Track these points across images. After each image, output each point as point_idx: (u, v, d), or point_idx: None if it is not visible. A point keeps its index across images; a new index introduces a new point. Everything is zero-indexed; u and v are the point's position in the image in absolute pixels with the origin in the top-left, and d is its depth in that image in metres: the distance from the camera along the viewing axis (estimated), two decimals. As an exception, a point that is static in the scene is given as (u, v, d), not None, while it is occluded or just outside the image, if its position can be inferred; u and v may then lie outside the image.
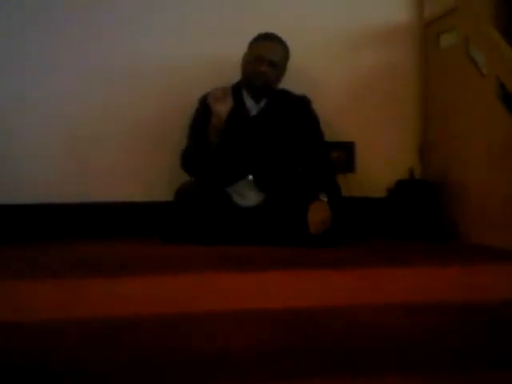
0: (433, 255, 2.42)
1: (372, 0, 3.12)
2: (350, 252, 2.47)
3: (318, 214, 2.57)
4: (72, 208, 2.94)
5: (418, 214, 2.89)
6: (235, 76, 2.82)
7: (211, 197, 2.67)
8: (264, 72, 2.72)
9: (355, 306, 1.53)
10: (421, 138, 3.19)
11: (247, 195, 2.73)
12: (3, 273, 2.00)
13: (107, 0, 2.99)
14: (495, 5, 2.92)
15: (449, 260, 2.31)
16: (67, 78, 2.95)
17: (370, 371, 1.18)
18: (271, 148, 2.77)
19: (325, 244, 2.51)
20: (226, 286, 1.78)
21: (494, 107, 2.55)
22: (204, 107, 2.78)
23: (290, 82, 2.86)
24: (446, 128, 2.99)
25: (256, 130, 2.77)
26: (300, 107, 2.83)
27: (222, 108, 2.63)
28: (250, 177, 2.74)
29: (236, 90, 2.80)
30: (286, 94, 2.85)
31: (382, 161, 3.15)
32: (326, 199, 2.62)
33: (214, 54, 2.99)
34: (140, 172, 3.01)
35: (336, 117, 3.03)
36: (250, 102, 2.80)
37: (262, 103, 2.80)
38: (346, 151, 3.12)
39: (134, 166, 3.01)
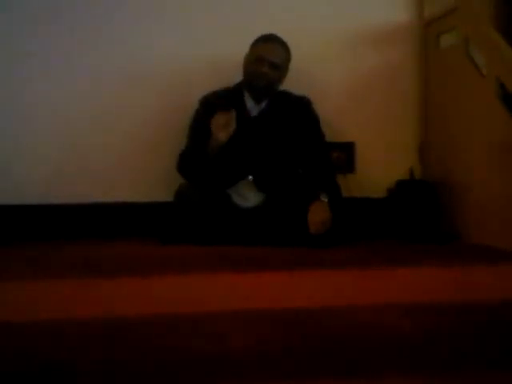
0: (433, 255, 2.42)
1: (372, 0, 3.12)
2: (350, 252, 2.48)
3: (318, 214, 2.57)
4: (72, 208, 2.94)
5: (418, 214, 2.89)
6: (235, 76, 2.83)
7: (211, 197, 2.67)
8: (265, 73, 2.72)
9: (355, 306, 1.53)
10: (421, 138, 3.19)
11: (247, 196, 2.74)
12: (3, 273, 2.00)
13: (107, 1, 2.99)
14: (495, 5, 2.92)
15: (449, 260, 2.31)
16: (67, 78, 2.95)
17: (369, 371, 1.18)
18: (271, 149, 2.77)
19: (325, 244, 2.51)
20: (226, 286, 1.79)
21: (493, 107, 2.55)
22: (204, 108, 2.78)
23: (290, 83, 2.86)
24: (446, 128, 2.99)
25: (256, 131, 2.77)
26: (300, 108, 2.83)
27: (222, 135, 2.62)
28: (250, 177, 2.74)
29: (237, 91, 2.80)
30: (287, 95, 2.85)
31: (381, 161, 3.15)
32: (326, 200, 2.62)
33: (214, 54, 2.99)
34: (140, 173, 3.01)
35: (336, 117, 3.04)
36: (250, 103, 2.80)
37: (263, 104, 2.81)
38: (345, 151, 3.12)
39: (134, 166, 3.01)
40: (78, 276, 1.92)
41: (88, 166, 2.98)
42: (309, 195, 2.64)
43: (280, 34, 2.79)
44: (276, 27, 2.81)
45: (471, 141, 2.74)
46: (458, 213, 2.84)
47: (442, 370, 1.20)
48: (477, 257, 2.40)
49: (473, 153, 2.73)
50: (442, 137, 3.03)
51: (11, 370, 1.15)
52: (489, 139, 2.61)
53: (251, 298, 1.63)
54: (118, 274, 1.96)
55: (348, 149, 3.13)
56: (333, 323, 1.39)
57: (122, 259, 2.30)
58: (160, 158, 2.95)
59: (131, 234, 2.94)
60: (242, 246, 2.53)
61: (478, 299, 1.60)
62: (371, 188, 3.09)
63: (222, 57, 2.98)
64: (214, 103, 2.79)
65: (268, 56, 2.73)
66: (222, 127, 2.61)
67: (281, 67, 2.77)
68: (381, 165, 3.14)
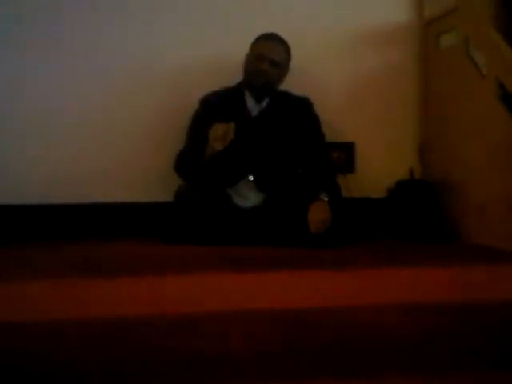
0: (433, 255, 2.42)
1: (372, 0, 3.12)
2: (350, 252, 2.47)
3: (319, 213, 2.57)
4: (72, 208, 2.94)
5: (418, 214, 2.89)
6: (236, 76, 2.82)
7: (211, 197, 2.67)
8: (265, 70, 2.72)
9: (355, 306, 1.53)
10: (421, 138, 3.19)
11: (247, 195, 2.74)
12: (3, 273, 2.00)
13: (107, 1, 2.99)
14: (495, 5, 2.92)
15: (449, 260, 2.31)
16: (67, 78, 2.95)
17: (369, 371, 1.18)
18: (272, 148, 2.77)
19: (325, 244, 2.51)
20: (226, 286, 1.78)
21: (493, 107, 2.55)
22: (204, 108, 2.79)
23: (291, 83, 2.86)
24: (446, 128, 2.99)
25: (257, 131, 2.77)
26: (301, 108, 2.83)
27: (219, 145, 2.60)
28: (250, 177, 2.74)
29: (237, 91, 2.80)
30: (287, 95, 2.85)
31: (381, 161, 3.15)
32: (326, 199, 2.62)
33: (215, 54, 2.99)
34: (140, 173, 3.01)
35: (336, 117, 3.03)
36: (251, 103, 2.80)
37: (263, 104, 2.81)
38: (345, 151, 3.12)
39: (133, 166, 3.01)
40: (77, 276, 1.91)
41: (88, 166, 2.97)
42: (309, 195, 2.64)
43: (280, 34, 2.79)
44: (276, 27, 2.81)
45: (471, 141, 2.74)
46: (458, 213, 2.84)
47: (442, 370, 1.20)
48: (477, 257, 2.40)
49: (473, 153, 2.72)
50: (441, 137, 3.03)
51: (11, 370, 1.15)
52: (489, 139, 2.61)
53: (251, 298, 1.63)
54: (118, 274, 1.96)
55: (348, 149, 3.13)
56: (333, 323, 1.39)
57: (121, 259, 2.30)
58: (160, 158, 2.95)
59: (131, 234, 2.94)
60: (242, 245, 2.53)
61: (478, 299, 1.60)
62: (371, 188, 3.08)
63: (222, 57, 2.98)
64: (214, 103, 2.79)
65: (268, 54, 2.73)
66: (220, 139, 2.60)
67: (281, 65, 2.77)
68: (381, 165, 3.14)
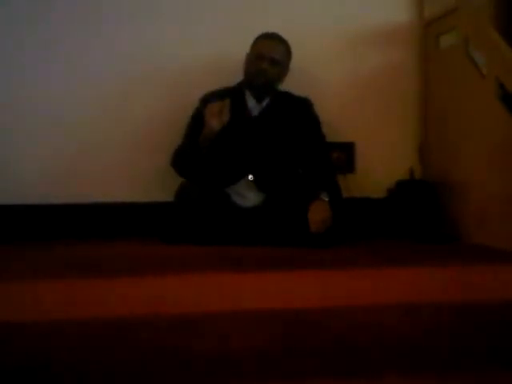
0: (433, 255, 2.42)
1: (372, 0, 3.12)
2: (350, 252, 2.48)
3: (319, 213, 2.57)
4: (72, 208, 2.94)
5: (418, 214, 2.89)
6: (236, 76, 2.83)
7: (211, 197, 2.67)
8: (265, 69, 2.73)
9: (355, 306, 1.53)
10: (421, 138, 3.19)
11: (247, 195, 2.74)
12: (3, 273, 2.00)
13: (107, 1, 2.99)
14: (495, 5, 2.92)
15: (449, 260, 2.31)
16: (67, 78, 2.95)
17: (369, 371, 1.18)
18: (272, 148, 2.77)
19: (325, 243, 2.51)
20: (226, 286, 1.78)
21: (493, 107, 2.55)
22: (203, 107, 2.78)
23: (291, 82, 2.87)
24: (445, 128, 2.99)
25: (257, 130, 2.77)
26: (301, 108, 2.84)
27: (215, 123, 2.61)
28: (250, 176, 2.74)
29: (238, 90, 2.80)
30: (288, 96, 2.85)
31: (381, 161, 3.15)
32: (326, 199, 2.62)
33: (215, 54, 3.00)
34: (140, 173, 3.01)
35: (336, 117, 3.04)
36: (251, 103, 2.80)
37: (264, 104, 2.81)
38: (346, 151, 3.12)
39: (134, 166, 3.01)
40: (78, 276, 1.91)
41: (88, 166, 2.98)
42: (309, 195, 2.64)
43: (280, 34, 2.80)
44: (276, 27, 2.81)
45: (471, 141, 2.74)
46: (458, 213, 2.84)
47: (442, 370, 1.20)
48: (477, 257, 2.40)
49: (473, 153, 2.73)
50: (441, 137, 3.03)
51: (11, 370, 1.15)
52: (489, 139, 2.61)
53: (251, 298, 1.63)
54: (118, 274, 1.96)
55: (348, 149, 3.13)
56: (333, 323, 1.39)
57: (121, 259, 2.30)
58: (160, 158, 2.95)
59: (131, 234, 2.94)
60: (241, 245, 2.53)
61: (478, 299, 1.60)
62: (371, 188, 3.09)
63: (222, 57, 2.99)
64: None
65: (268, 52, 2.74)
66: (216, 115, 2.60)
67: (281, 64, 2.77)
68: (381, 165, 3.14)
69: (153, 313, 1.45)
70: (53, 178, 2.94)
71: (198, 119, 2.75)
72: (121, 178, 3.01)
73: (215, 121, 2.60)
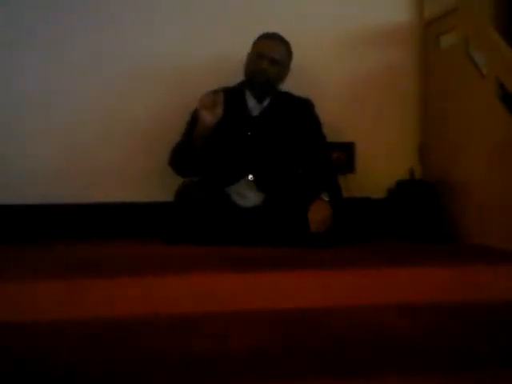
0: (433, 255, 2.42)
1: (372, 0, 3.12)
2: (350, 252, 2.48)
3: (319, 212, 2.57)
4: (72, 208, 2.94)
5: (418, 214, 2.89)
6: (236, 76, 2.83)
7: (211, 197, 2.67)
8: (265, 69, 2.73)
9: (355, 306, 1.53)
10: (421, 138, 3.19)
11: (247, 195, 2.74)
12: (3, 273, 2.00)
13: (107, 1, 2.99)
14: (495, 5, 2.93)
15: (449, 260, 2.31)
16: (68, 78, 2.95)
17: (369, 371, 1.18)
18: (272, 148, 2.77)
19: (325, 243, 2.51)
20: (226, 286, 1.78)
21: (493, 107, 2.55)
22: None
23: (291, 82, 2.86)
24: (445, 128, 2.99)
25: (257, 130, 2.77)
26: (302, 109, 2.84)
27: (209, 117, 2.58)
28: (250, 176, 2.74)
29: (239, 90, 2.81)
30: (289, 96, 2.85)
31: (382, 161, 3.15)
32: (327, 199, 2.62)
33: (215, 54, 3.00)
34: (140, 173, 3.01)
35: (336, 117, 3.04)
36: (252, 103, 2.80)
37: (265, 104, 2.81)
38: (346, 151, 3.12)
39: (134, 166, 3.01)
40: (77, 276, 1.91)
41: (88, 166, 2.98)
42: (309, 194, 2.64)
43: (281, 34, 2.80)
44: (276, 27, 2.81)
45: (471, 141, 2.74)
46: (458, 213, 2.84)
47: (442, 370, 1.20)
48: (477, 257, 2.40)
49: (473, 153, 2.73)
50: (441, 137, 3.03)
51: (11, 370, 1.15)
52: (489, 139, 2.61)
53: (251, 298, 1.63)
54: (118, 274, 1.96)
55: (348, 149, 3.13)
56: (333, 323, 1.39)
57: (121, 259, 2.30)
58: (160, 158, 2.94)
59: (131, 233, 2.94)
60: (242, 245, 2.53)
61: (478, 299, 1.60)
62: (371, 188, 3.09)
63: (222, 57, 2.99)
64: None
65: (268, 52, 2.74)
66: (209, 109, 2.57)
67: (281, 63, 2.77)
68: (381, 165, 3.14)
69: (153, 313, 1.45)
70: (53, 178, 2.94)
71: (195, 117, 2.75)
72: (121, 178, 3.01)
73: (209, 114, 2.58)
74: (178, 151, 2.74)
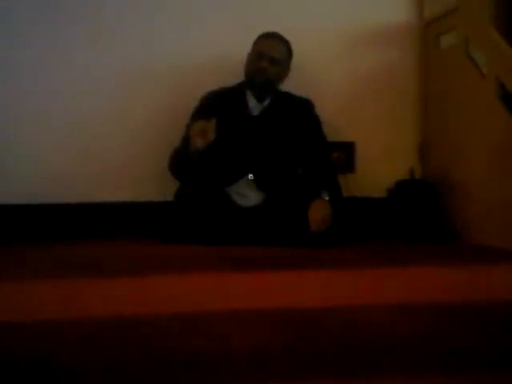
0: (433, 255, 2.42)
1: (372, 0, 3.12)
2: (350, 252, 2.48)
3: (319, 211, 2.57)
4: (72, 208, 2.94)
5: (418, 214, 2.89)
6: (237, 76, 2.83)
7: (211, 197, 2.67)
8: (264, 68, 2.73)
9: (355, 305, 1.53)
10: (421, 138, 3.19)
11: (247, 195, 2.74)
12: (3, 273, 2.00)
13: (108, 1, 2.99)
14: (495, 5, 2.92)
15: (449, 260, 2.31)
16: (68, 78, 2.95)
17: (370, 371, 1.18)
18: (272, 148, 2.77)
19: (325, 243, 2.51)
20: (226, 286, 1.78)
21: (493, 107, 2.55)
22: (202, 107, 2.79)
23: (291, 82, 2.87)
24: (445, 128, 2.99)
25: (257, 130, 2.77)
26: (302, 109, 2.84)
27: (199, 143, 2.54)
28: (251, 176, 2.74)
29: (239, 90, 2.81)
30: (289, 96, 2.86)
31: (382, 161, 3.15)
32: (327, 198, 2.62)
33: (215, 54, 3.00)
34: (140, 173, 3.01)
35: (336, 117, 3.04)
36: (252, 103, 2.80)
37: (265, 103, 2.81)
38: (346, 151, 3.12)
39: (134, 166, 3.01)
40: (78, 276, 1.91)
41: (88, 166, 2.98)
42: (309, 194, 2.64)
43: (281, 34, 2.80)
44: (276, 27, 2.81)
45: (471, 141, 2.74)
46: (458, 213, 2.84)
47: (442, 370, 1.20)
48: (477, 257, 2.40)
49: (473, 153, 2.72)
50: (441, 137, 3.03)
51: (11, 370, 1.15)
52: (489, 139, 2.61)
53: (251, 298, 1.63)
54: (118, 274, 1.96)
55: (348, 149, 3.13)
56: (333, 323, 1.39)
57: (121, 259, 2.30)
58: (160, 158, 2.93)
59: (131, 233, 2.94)
60: (242, 245, 2.53)
61: (478, 299, 1.60)
62: (371, 188, 3.09)
63: (222, 57, 2.99)
64: (213, 102, 2.79)
65: (268, 51, 2.74)
66: (200, 134, 2.54)
67: (281, 63, 2.77)
68: (381, 165, 3.14)
69: (153, 313, 1.45)
70: (53, 178, 2.94)
71: (193, 119, 2.74)
72: (121, 178, 3.00)
73: (199, 140, 2.55)
74: (176, 158, 2.73)
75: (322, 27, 3.07)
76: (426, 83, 3.16)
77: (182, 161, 2.68)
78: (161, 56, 3.00)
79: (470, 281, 1.87)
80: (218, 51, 2.99)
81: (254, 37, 2.81)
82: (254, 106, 2.80)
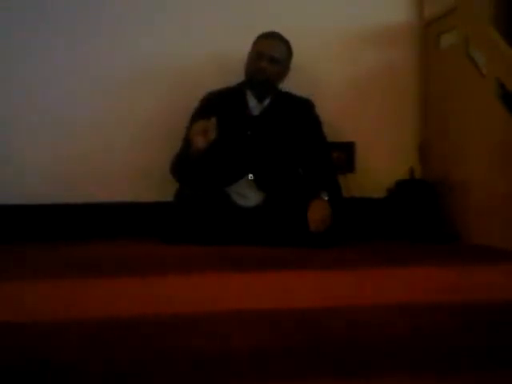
0: (433, 255, 2.42)
1: (372, 0, 3.12)
2: (350, 252, 2.48)
3: (318, 212, 2.57)
4: (72, 208, 2.94)
5: (418, 214, 2.89)
6: (237, 76, 2.83)
7: (211, 197, 2.67)
8: (264, 68, 2.73)
9: (355, 306, 1.53)
10: (421, 138, 3.19)
11: (247, 195, 2.74)
12: (3, 273, 2.00)
13: (108, 2, 2.99)
14: (495, 5, 2.92)
15: (449, 260, 2.31)
16: (68, 78, 2.95)
17: (370, 371, 1.18)
18: (272, 148, 2.77)
19: (325, 243, 2.51)
20: (226, 286, 1.78)
21: (493, 107, 2.55)
22: (202, 107, 2.79)
23: (291, 82, 2.87)
24: (446, 128, 2.99)
25: (258, 130, 2.77)
26: (303, 109, 2.84)
27: (200, 142, 2.55)
28: (251, 175, 2.74)
29: (239, 90, 2.81)
30: (290, 96, 2.86)
31: (382, 161, 3.15)
32: (326, 198, 2.62)
33: (215, 54, 3.00)
34: (140, 173, 3.01)
35: (336, 117, 3.04)
36: (252, 102, 2.80)
37: (265, 103, 2.81)
38: (346, 151, 3.12)
39: (134, 166, 3.01)
40: (77, 276, 1.91)
41: (88, 166, 2.98)
42: (309, 193, 2.64)
43: (281, 34, 2.80)
44: (277, 27, 2.82)
45: (471, 141, 2.74)
46: (458, 213, 2.84)
47: (442, 370, 1.20)
48: (477, 257, 2.40)
49: (473, 153, 2.73)
50: (441, 137, 3.03)
51: (11, 370, 1.15)
52: (489, 139, 2.61)
53: (251, 298, 1.63)
54: (118, 274, 1.96)
55: (348, 149, 3.13)
56: (333, 323, 1.39)
57: (121, 259, 2.30)
58: (161, 158, 2.94)
59: (131, 233, 2.94)
60: (242, 245, 2.53)
61: (478, 299, 1.60)
62: (371, 188, 3.09)
63: (223, 57, 2.99)
64: (214, 102, 2.79)
65: (267, 51, 2.74)
66: (201, 134, 2.55)
67: (280, 62, 2.77)
68: (381, 165, 3.14)
69: (153, 313, 1.45)
70: (53, 178, 2.94)
71: (194, 120, 2.74)
72: (121, 178, 3.00)
73: (200, 140, 2.55)
74: (177, 161, 2.73)
75: (322, 27, 3.07)
76: (426, 83, 3.16)
77: (183, 162, 2.68)
78: (161, 56, 3.00)
79: (470, 281, 1.87)
80: (218, 51, 2.99)
81: (254, 37, 2.81)
82: (254, 105, 2.80)
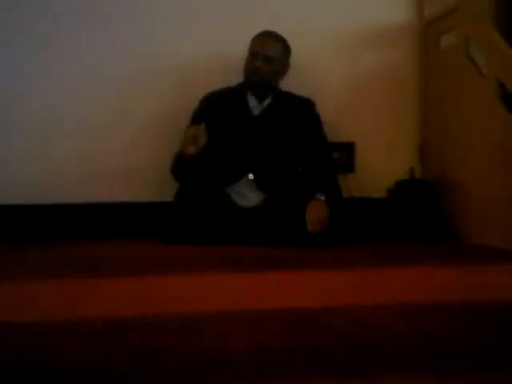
0: (433, 255, 2.42)
1: (372, 0, 3.12)
2: (350, 252, 2.48)
3: (316, 212, 2.58)
4: (72, 208, 2.94)
5: (418, 214, 2.89)
6: (237, 76, 2.83)
7: (211, 197, 2.67)
8: (258, 67, 2.73)
9: (355, 306, 1.53)
10: (421, 138, 3.19)
11: (247, 195, 2.74)
12: (3, 273, 2.00)
13: (108, 2, 2.99)
14: (495, 5, 2.92)
15: (449, 260, 2.31)
16: (69, 79, 2.95)
17: (370, 371, 1.18)
18: (272, 147, 2.77)
19: (324, 243, 2.51)
20: (226, 286, 1.78)
21: (493, 107, 2.55)
22: (201, 108, 2.79)
23: (290, 82, 2.87)
24: (445, 128, 2.99)
25: (258, 130, 2.77)
26: (303, 109, 2.84)
27: (191, 149, 2.57)
28: (251, 175, 2.74)
29: (239, 90, 2.81)
30: (290, 96, 2.86)
31: (382, 161, 3.15)
32: (323, 198, 2.62)
33: (216, 54, 3.00)
34: (140, 173, 3.01)
35: (336, 117, 3.04)
36: (253, 102, 2.80)
37: (265, 103, 2.81)
38: (346, 151, 3.12)
39: (134, 166, 3.01)
40: (78, 276, 1.92)
41: (88, 166, 2.98)
42: (307, 194, 2.64)
43: (280, 34, 2.80)
44: (277, 27, 2.82)
45: (471, 141, 2.74)
46: (458, 213, 2.84)
47: (442, 370, 1.20)
48: (477, 257, 2.40)
49: (473, 153, 2.72)
50: (441, 137, 3.03)
51: (11, 370, 1.15)
52: (489, 139, 2.61)
53: (251, 298, 1.63)
54: (118, 274, 1.96)
55: (348, 149, 3.13)
56: (333, 323, 1.39)
57: (122, 259, 2.30)
58: (160, 158, 2.95)
59: (131, 233, 2.94)
60: (242, 245, 2.53)
61: (478, 299, 1.60)
62: (371, 188, 3.09)
63: (223, 56, 2.99)
64: (213, 102, 2.80)
65: (261, 50, 2.74)
66: (191, 141, 2.56)
67: (275, 60, 2.77)
68: (381, 165, 3.14)
69: (153, 313, 1.45)
70: (53, 178, 2.94)
71: (195, 121, 2.74)
72: (121, 178, 3.00)
73: (190, 147, 2.57)
74: (176, 162, 2.73)
75: (322, 27, 3.07)
76: (426, 83, 3.16)
77: (182, 164, 2.68)
78: (161, 56, 3.00)
79: (470, 281, 1.87)
80: (218, 51, 2.99)
81: (254, 37, 2.81)
82: (254, 105, 2.80)
